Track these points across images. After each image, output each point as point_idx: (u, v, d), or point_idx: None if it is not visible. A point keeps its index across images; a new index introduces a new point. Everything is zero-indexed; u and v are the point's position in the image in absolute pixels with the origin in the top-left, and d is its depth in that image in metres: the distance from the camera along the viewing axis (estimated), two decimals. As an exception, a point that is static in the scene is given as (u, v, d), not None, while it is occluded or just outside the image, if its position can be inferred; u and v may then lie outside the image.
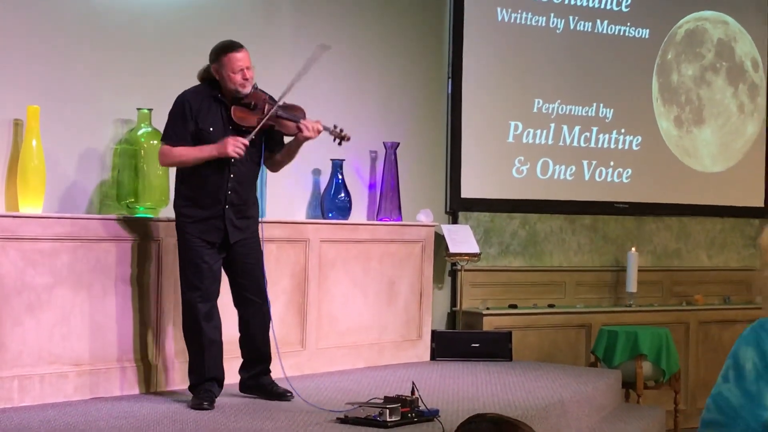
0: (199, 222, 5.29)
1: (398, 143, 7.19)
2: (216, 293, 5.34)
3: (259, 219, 5.49)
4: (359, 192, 7.18)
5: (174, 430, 4.67)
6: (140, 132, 5.85)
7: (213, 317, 5.32)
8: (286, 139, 5.54)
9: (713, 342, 8.44)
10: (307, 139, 5.37)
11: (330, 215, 6.86)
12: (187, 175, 5.35)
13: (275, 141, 5.47)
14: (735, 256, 9.21)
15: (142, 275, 5.65)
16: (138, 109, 5.87)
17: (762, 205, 9.30)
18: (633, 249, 8.28)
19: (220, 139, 5.22)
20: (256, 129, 5.26)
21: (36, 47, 5.64)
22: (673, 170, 8.83)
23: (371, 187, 7.29)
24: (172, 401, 5.41)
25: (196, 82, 6.26)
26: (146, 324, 5.67)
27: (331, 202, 6.88)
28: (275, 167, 5.62)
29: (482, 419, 2.12)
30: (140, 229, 5.65)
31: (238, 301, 5.48)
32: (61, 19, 5.74)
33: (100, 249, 5.48)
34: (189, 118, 5.26)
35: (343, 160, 6.86)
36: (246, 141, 5.19)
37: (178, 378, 5.79)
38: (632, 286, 8.19)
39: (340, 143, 5.57)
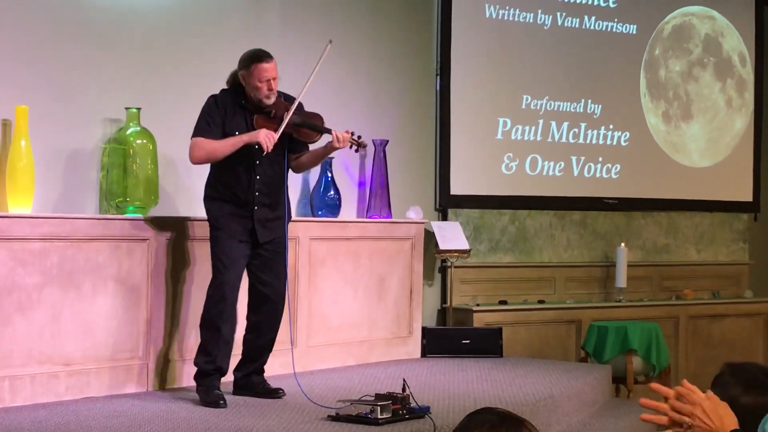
0: (228, 216, 5.37)
1: (387, 141, 7.19)
2: (237, 287, 5.39)
3: (289, 219, 5.57)
4: (349, 190, 7.18)
5: (166, 429, 4.67)
6: (129, 131, 5.84)
7: (233, 310, 5.37)
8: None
9: (703, 336, 8.47)
10: (337, 149, 5.52)
11: (319, 213, 6.86)
12: (215, 175, 5.44)
13: (298, 144, 5.56)
14: (724, 251, 9.24)
15: (131, 274, 5.64)
16: (126, 108, 5.86)
17: (750, 199, 9.34)
18: (622, 244, 8.30)
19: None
20: (277, 134, 5.36)
21: (24, 47, 5.63)
22: (662, 165, 8.85)
23: (360, 184, 7.29)
24: (163, 400, 5.40)
25: (184, 82, 6.28)
26: (137, 323, 5.66)
27: (321, 199, 6.88)
28: (299, 169, 5.75)
29: (491, 411, 2.20)
30: (130, 229, 5.64)
31: (255, 298, 5.53)
32: (48, 18, 5.73)
33: (89, 248, 5.47)
34: (219, 116, 5.37)
35: (332, 158, 6.82)
36: (276, 136, 5.29)
37: (169, 377, 5.79)
38: (622, 281, 8.21)
39: (357, 150, 5.74)
